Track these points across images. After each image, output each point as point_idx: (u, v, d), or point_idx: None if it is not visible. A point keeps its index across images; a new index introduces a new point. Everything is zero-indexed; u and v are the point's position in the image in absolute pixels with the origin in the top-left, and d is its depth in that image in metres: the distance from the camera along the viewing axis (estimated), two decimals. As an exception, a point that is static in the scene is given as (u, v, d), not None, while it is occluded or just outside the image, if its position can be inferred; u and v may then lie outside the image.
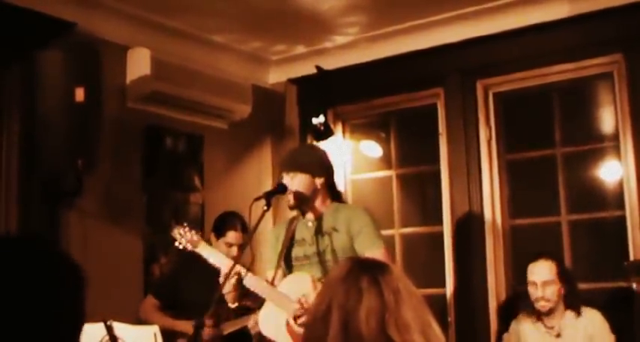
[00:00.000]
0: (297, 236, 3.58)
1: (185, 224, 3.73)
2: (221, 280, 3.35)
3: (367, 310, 1.66)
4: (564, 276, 3.83)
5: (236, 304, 3.42)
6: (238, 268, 3.36)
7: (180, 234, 3.66)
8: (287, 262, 3.59)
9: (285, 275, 3.58)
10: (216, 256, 3.61)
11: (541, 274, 3.82)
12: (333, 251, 3.46)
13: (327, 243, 3.48)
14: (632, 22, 4.29)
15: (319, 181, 3.57)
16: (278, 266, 3.55)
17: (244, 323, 3.84)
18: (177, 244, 3.68)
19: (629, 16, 4.31)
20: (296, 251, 3.57)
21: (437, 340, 1.70)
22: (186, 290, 4.20)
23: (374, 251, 3.37)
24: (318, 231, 3.52)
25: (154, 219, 4.75)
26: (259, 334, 3.60)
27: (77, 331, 1.40)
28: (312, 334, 1.73)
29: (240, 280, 3.34)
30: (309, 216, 3.59)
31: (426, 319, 1.71)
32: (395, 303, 1.68)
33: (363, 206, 3.86)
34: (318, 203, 3.58)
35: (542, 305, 3.80)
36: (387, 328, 1.65)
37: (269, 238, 3.79)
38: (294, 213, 3.68)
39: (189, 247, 3.63)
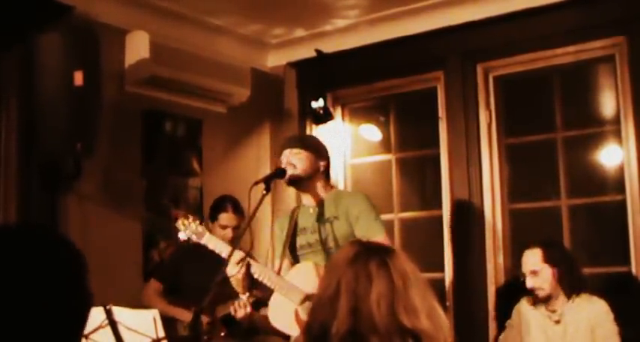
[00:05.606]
0: (300, 225, 3.57)
1: (192, 216, 3.66)
2: (229, 269, 3.30)
3: (378, 294, 1.68)
4: (554, 260, 3.70)
5: (247, 294, 3.38)
6: (243, 254, 3.34)
7: (185, 225, 3.59)
8: (292, 252, 3.58)
9: (292, 265, 3.57)
10: (222, 246, 3.52)
11: (527, 263, 3.76)
12: (335, 239, 3.43)
13: (329, 231, 3.46)
14: (635, 4, 4.25)
15: (322, 163, 3.57)
16: (283, 256, 3.54)
17: (227, 310, 3.83)
18: (181, 234, 3.62)
19: (631, -1, 4.29)
20: (300, 240, 3.55)
21: (442, 323, 1.71)
22: (188, 275, 4.21)
23: (376, 236, 3.31)
24: (320, 218, 3.50)
25: (153, 203, 4.75)
26: (249, 319, 3.60)
27: (81, 315, 1.40)
28: (317, 316, 1.73)
29: (248, 268, 3.32)
30: (310, 202, 3.57)
31: (431, 302, 1.73)
32: (404, 287, 1.70)
33: (363, 193, 3.81)
34: (319, 187, 3.56)
35: (537, 294, 3.75)
36: (397, 312, 1.66)
37: (275, 231, 3.77)
38: (293, 204, 3.67)
39: (194, 238, 3.56)
